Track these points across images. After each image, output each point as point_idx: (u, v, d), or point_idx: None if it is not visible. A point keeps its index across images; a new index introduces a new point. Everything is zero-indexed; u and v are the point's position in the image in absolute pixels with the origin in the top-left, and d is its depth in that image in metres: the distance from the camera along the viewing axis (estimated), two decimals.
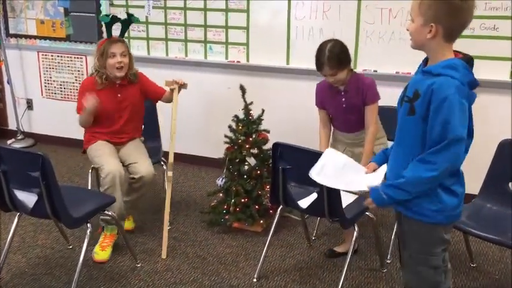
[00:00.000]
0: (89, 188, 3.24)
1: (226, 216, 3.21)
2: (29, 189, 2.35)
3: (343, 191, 2.34)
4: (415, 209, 1.81)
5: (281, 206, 2.72)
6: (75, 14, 4.42)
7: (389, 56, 3.54)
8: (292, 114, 3.91)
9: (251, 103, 3.20)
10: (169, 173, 3.06)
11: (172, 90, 3.14)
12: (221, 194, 3.29)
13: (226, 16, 3.94)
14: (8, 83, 4.74)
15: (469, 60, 1.72)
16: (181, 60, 4.15)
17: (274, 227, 2.79)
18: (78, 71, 4.60)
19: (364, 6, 3.53)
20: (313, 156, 2.14)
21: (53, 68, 4.70)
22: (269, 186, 2.80)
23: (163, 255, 2.97)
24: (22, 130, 4.88)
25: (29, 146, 4.83)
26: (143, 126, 3.36)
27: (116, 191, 2.87)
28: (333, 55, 2.59)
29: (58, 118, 4.72)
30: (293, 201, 2.52)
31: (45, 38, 4.61)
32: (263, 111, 3.23)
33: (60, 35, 4.54)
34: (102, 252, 2.91)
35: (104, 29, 4.32)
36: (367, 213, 2.62)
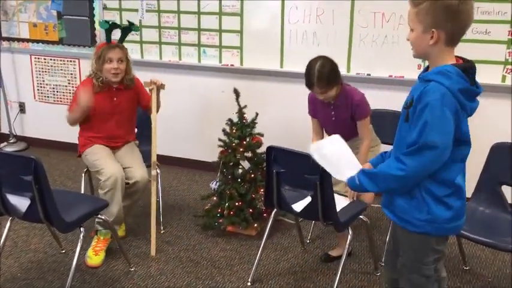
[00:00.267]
0: (82, 192, 3.22)
1: (220, 220, 3.21)
2: (21, 193, 2.34)
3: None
4: (404, 217, 1.81)
5: (275, 210, 2.72)
6: (68, 17, 4.40)
7: (383, 60, 3.56)
8: (286, 117, 3.92)
9: (245, 106, 3.20)
10: (153, 172, 3.04)
11: (151, 90, 3.13)
12: (215, 198, 3.29)
13: (220, 20, 3.94)
14: (0, 86, 4.72)
15: (467, 68, 1.68)
16: (175, 64, 4.15)
17: (268, 231, 2.78)
18: (71, 74, 4.58)
19: (357, 10, 3.55)
20: (307, 160, 2.13)
21: (45, 72, 4.67)
22: (263, 190, 2.79)
23: (152, 253, 2.98)
24: (14, 134, 4.86)
25: (22, 149, 4.80)
26: (136, 130, 3.35)
27: (116, 194, 2.87)
28: (323, 75, 2.58)
29: (51, 122, 4.69)
30: (287, 205, 2.52)
31: (38, 41, 4.60)
32: (257, 114, 3.24)
33: (53, 38, 4.53)
34: (95, 257, 2.90)
35: (97, 32, 4.33)
36: (361, 216, 2.63)
